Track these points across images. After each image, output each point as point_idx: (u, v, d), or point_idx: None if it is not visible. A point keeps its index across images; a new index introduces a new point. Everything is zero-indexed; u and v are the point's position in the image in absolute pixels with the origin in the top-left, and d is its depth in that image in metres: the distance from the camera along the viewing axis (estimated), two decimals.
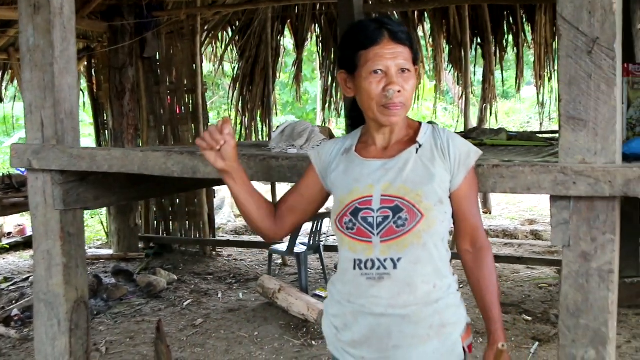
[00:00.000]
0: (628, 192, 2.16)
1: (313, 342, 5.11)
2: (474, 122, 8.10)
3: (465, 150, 2.12)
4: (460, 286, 2.24)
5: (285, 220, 2.27)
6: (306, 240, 6.47)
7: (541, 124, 8.66)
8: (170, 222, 8.65)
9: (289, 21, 8.77)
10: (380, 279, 2.02)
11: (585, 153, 2.23)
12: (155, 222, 8.74)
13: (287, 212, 2.27)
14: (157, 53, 8.25)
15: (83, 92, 8.93)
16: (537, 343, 4.90)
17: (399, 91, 2.01)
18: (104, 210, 9.17)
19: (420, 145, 2.11)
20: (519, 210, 10.75)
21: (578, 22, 2.22)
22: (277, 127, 3.92)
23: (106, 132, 8.54)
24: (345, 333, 2.13)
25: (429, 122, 2.36)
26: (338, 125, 13.58)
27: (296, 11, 8.60)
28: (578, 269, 2.27)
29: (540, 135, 4.64)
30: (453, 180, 2.09)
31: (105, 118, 8.58)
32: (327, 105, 8.95)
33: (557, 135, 5.83)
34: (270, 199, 9.71)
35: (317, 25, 8.77)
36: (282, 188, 11.07)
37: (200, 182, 4.32)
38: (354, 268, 2.06)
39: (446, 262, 2.12)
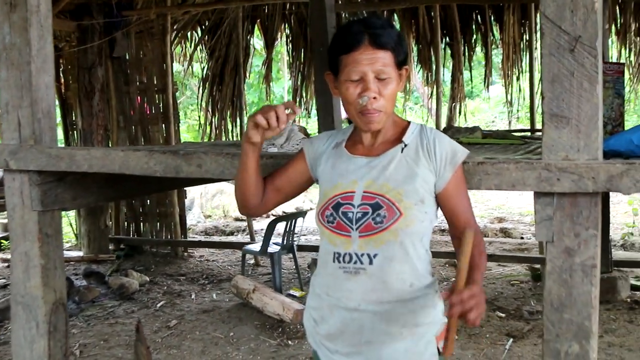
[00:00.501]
0: (611, 188, 2.20)
1: (289, 342, 5.10)
2: (442, 122, 8.14)
3: (452, 149, 2.13)
4: (444, 284, 2.25)
5: (269, 198, 2.30)
6: (279, 240, 6.46)
7: (509, 122, 8.73)
8: (141, 223, 8.56)
9: (258, 21, 8.74)
10: (356, 274, 2.05)
11: (568, 150, 2.27)
12: (126, 223, 8.64)
13: (273, 192, 2.30)
14: (127, 53, 8.16)
15: None
16: (511, 339, 4.95)
17: (374, 98, 2.03)
18: (72, 211, 9.05)
19: (405, 145, 2.13)
20: (488, 208, 10.86)
21: (560, 21, 2.25)
22: None
23: (75, 132, 8.43)
24: (322, 326, 2.16)
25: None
26: (307, 125, 13.56)
27: (266, 11, 8.57)
28: (562, 264, 2.30)
29: (514, 134, 4.70)
30: (440, 180, 2.10)
31: (74, 118, 8.47)
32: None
33: (530, 133, 5.91)
34: None
35: (287, 24, 8.76)
36: None
37: (177, 182, 4.30)
38: (333, 261, 2.09)
39: (425, 262, 2.14)
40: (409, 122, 2.22)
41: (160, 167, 2.79)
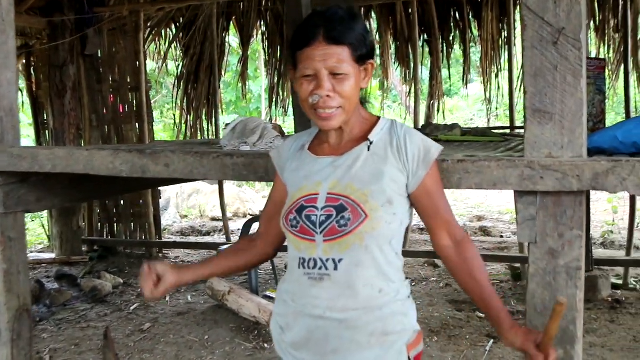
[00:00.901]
0: (596, 187, 2.12)
1: (265, 345, 4.99)
2: (421, 120, 8.07)
3: (425, 146, 2.02)
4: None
5: (270, 233, 2.23)
6: None
7: (488, 120, 8.68)
8: (115, 224, 8.40)
9: (234, 18, 8.62)
10: (321, 280, 1.95)
11: (551, 147, 2.19)
12: (99, 224, 8.48)
13: (269, 224, 2.22)
14: (99, 50, 8.00)
15: (22, 92, 8.61)
16: (492, 340, 4.88)
17: (328, 96, 1.93)
18: (45, 212, 8.88)
19: (371, 143, 2.02)
20: (467, 206, 10.82)
21: (543, 12, 2.16)
22: (227, 124, 3.80)
23: (47, 132, 8.26)
24: (288, 334, 2.06)
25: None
26: (284, 124, 13.46)
27: (241, 7, 8.44)
28: (545, 267, 2.22)
29: (494, 131, 4.62)
30: (413, 179, 1.99)
31: (45, 118, 8.30)
32: (273, 103, 8.82)
33: (509, 131, 5.84)
34: (217, 206, 9.59)
35: (262, 21, 8.64)
36: (230, 188, 10.96)
37: (147, 182, 4.18)
38: (299, 267, 2.00)
39: (395, 267, 2.03)
40: (378, 118, 2.12)
41: (126, 167, 2.67)
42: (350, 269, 1.93)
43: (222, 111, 9.81)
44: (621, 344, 4.73)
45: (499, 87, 8.06)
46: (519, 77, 7.25)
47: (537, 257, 2.22)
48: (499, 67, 7.94)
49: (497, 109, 8.69)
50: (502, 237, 8.70)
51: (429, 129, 4.36)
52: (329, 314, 1.95)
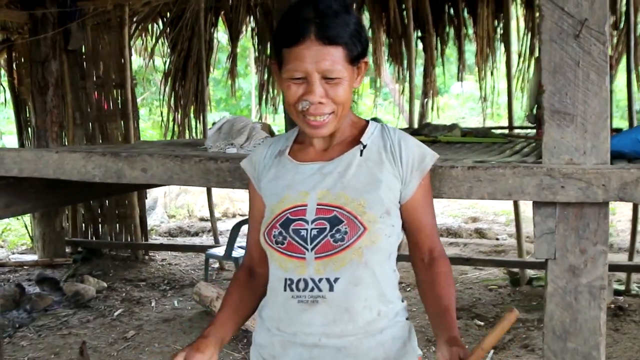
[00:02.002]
0: (624, 197, 1.89)
1: None
2: (415, 119, 7.86)
3: (419, 153, 1.79)
4: (409, 289, 1.91)
5: (265, 256, 1.90)
6: (245, 244, 6.11)
7: (484, 119, 8.47)
8: (100, 225, 8.15)
9: (222, 13, 8.38)
10: (314, 303, 1.71)
11: (573, 152, 1.96)
12: (83, 225, 8.24)
13: (261, 249, 1.89)
14: (83, 45, 7.73)
15: (4, 88, 8.37)
16: (492, 351, 4.65)
17: (320, 102, 1.69)
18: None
19: (364, 146, 1.79)
20: (461, 207, 10.59)
21: (563, 2, 1.93)
22: (213, 123, 3.57)
23: (29, 130, 8.01)
24: None
25: (373, 119, 2.01)
26: (275, 122, 13.24)
27: (230, 2, 8.21)
28: (565, 285, 2.00)
29: (495, 132, 4.40)
30: (405, 189, 1.77)
31: (27, 115, 8.05)
32: (263, 101, 8.60)
33: (507, 131, 5.62)
34: (206, 206, 9.33)
35: (252, 17, 8.41)
36: (219, 193, 10.70)
37: (128, 185, 3.93)
38: (285, 289, 1.75)
39: (393, 285, 1.81)
40: (367, 121, 1.88)
41: (100, 172, 2.43)
42: (348, 289, 1.70)
43: (212, 109, 9.60)
44: (628, 355, 4.52)
45: (493, 86, 7.85)
46: (517, 75, 7.07)
47: (556, 275, 2.00)
48: (494, 64, 7.74)
49: (492, 107, 8.44)
50: (497, 239, 8.49)
51: (427, 130, 4.14)
52: (325, 341, 1.72)
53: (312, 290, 1.71)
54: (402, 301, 1.85)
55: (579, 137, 1.95)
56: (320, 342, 1.72)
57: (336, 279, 1.69)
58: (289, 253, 1.73)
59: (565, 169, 1.91)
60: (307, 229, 1.71)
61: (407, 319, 1.85)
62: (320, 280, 1.70)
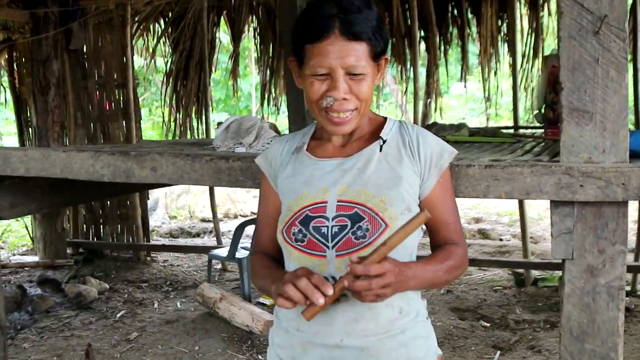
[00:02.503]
0: None
1: (259, 357, 4.72)
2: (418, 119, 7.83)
3: (438, 149, 1.77)
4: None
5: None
6: (248, 245, 6.08)
7: (487, 119, 8.45)
8: (101, 226, 8.09)
9: (224, 12, 8.35)
10: (336, 301, 1.66)
11: (591, 151, 1.93)
12: (85, 226, 8.17)
13: (276, 246, 1.87)
14: (85, 45, 7.68)
15: (4, 88, 8.33)
16: (498, 352, 4.62)
17: (344, 99, 1.68)
18: None
19: (384, 141, 1.77)
20: (463, 208, 10.55)
21: None
22: (218, 123, 3.54)
23: (30, 130, 7.97)
24: None
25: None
26: (277, 123, 13.22)
27: (232, 2, 8.18)
28: (583, 286, 1.96)
29: (504, 131, 4.37)
30: (423, 185, 1.74)
31: (28, 115, 8.00)
32: (265, 101, 8.56)
33: (520, 131, 5.59)
34: (207, 206, 9.31)
35: (254, 16, 8.37)
36: (220, 188, 10.64)
37: (135, 185, 3.90)
38: None
39: None
40: (385, 118, 1.87)
41: (108, 171, 2.39)
42: None
43: (212, 108, 9.55)
44: (636, 356, 4.48)
45: (497, 86, 7.82)
46: (521, 75, 7.05)
47: (573, 275, 1.97)
48: (498, 64, 7.71)
49: (496, 107, 8.40)
50: (501, 240, 8.46)
51: (435, 129, 4.11)
52: (347, 342, 1.69)
53: None
54: (422, 299, 1.83)
55: (598, 135, 1.92)
56: (342, 342, 1.69)
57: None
58: (310, 251, 1.70)
59: (585, 168, 1.88)
60: (327, 226, 1.69)
61: (427, 318, 1.83)
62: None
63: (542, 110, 3.94)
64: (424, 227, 1.79)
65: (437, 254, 1.75)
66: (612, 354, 1.96)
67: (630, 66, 6.07)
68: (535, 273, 6.33)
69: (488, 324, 5.20)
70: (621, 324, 1.97)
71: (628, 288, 5.88)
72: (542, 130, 4.14)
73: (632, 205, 6.15)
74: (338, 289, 1.56)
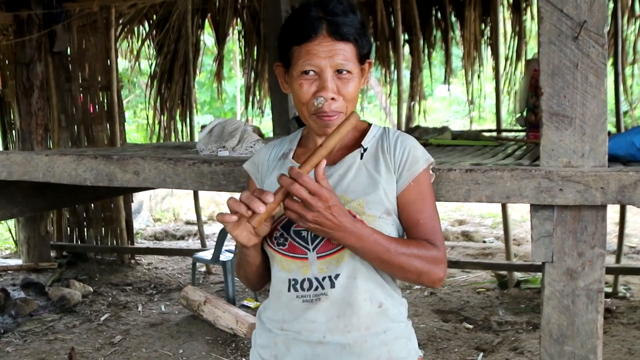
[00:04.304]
0: (622, 200, 1.89)
1: (243, 359, 4.72)
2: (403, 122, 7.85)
3: (414, 154, 1.77)
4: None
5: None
6: (233, 247, 6.07)
7: (470, 122, 8.47)
8: (85, 229, 8.08)
9: (209, 15, 8.34)
10: (317, 301, 1.71)
11: (571, 155, 1.95)
12: (69, 229, 8.14)
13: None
14: (68, 47, 7.66)
15: None
16: (481, 354, 4.65)
17: (332, 99, 1.70)
18: None
19: (364, 150, 1.79)
20: (447, 210, 10.58)
21: (562, 3, 1.92)
22: (202, 126, 3.54)
23: (13, 132, 7.92)
24: None
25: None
26: (261, 125, 13.20)
27: (217, 4, 8.17)
28: (563, 289, 1.99)
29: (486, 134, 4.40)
30: (397, 187, 1.76)
31: (12, 118, 7.96)
32: (249, 104, 8.55)
33: (503, 134, 5.63)
34: (191, 209, 9.27)
35: (239, 19, 8.37)
36: (204, 196, 10.63)
37: (117, 189, 3.89)
38: (289, 290, 1.75)
39: (391, 280, 1.80)
40: (369, 124, 1.88)
41: (91, 175, 2.39)
42: (348, 283, 1.71)
43: (197, 112, 9.52)
44: (616, 357, 4.52)
45: (481, 89, 7.86)
46: (504, 79, 7.09)
47: (553, 278, 1.99)
48: (481, 67, 7.75)
49: (479, 110, 8.44)
50: (484, 242, 8.50)
51: (418, 132, 4.14)
52: (329, 338, 1.72)
53: (316, 289, 1.72)
54: (402, 298, 1.84)
55: (578, 139, 1.94)
56: (324, 339, 1.72)
57: (337, 275, 1.70)
58: (291, 254, 1.73)
59: (564, 172, 1.90)
60: (307, 230, 1.70)
61: (408, 319, 1.85)
62: (323, 278, 1.71)
63: (525, 114, 3.97)
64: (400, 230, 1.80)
65: (405, 239, 1.75)
66: (591, 355, 1.98)
67: (612, 70, 6.14)
68: (518, 275, 6.37)
69: (471, 326, 5.23)
70: (600, 326, 1.99)
71: (609, 289, 5.93)
72: (525, 134, 4.17)
73: (614, 208, 6.22)
74: (278, 197, 1.58)
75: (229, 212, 1.61)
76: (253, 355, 1.90)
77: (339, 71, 1.69)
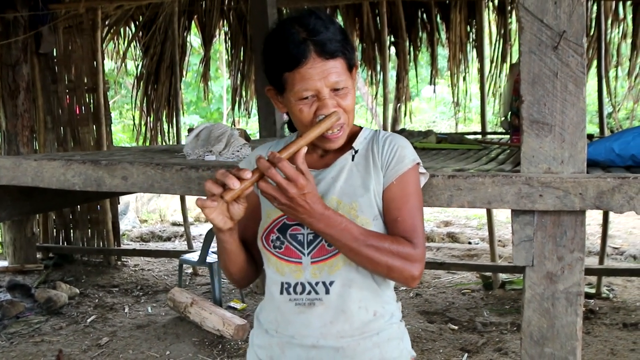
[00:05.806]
0: (600, 206, 1.93)
1: None
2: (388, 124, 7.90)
3: (400, 154, 1.81)
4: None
5: (258, 258, 1.92)
6: None
7: (456, 124, 8.53)
8: (71, 231, 8.05)
9: (195, 17, 8.35)
10: (311, 305, 1.75)
11: (550, 161, 2.00)
12: (55, 231, 8.13)
13: (254, 249, 1.91)
14: (54, 49, 7.64)
15: None
16: (466, 354, 4.70)
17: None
18: None
19: (355, 151, 1.83)
20: (433, 211, 10.63)
21: (542, 14, 1.97)
22: (189, 129, 3.57)
23: None
24: None
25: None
26: (247, 126, 13.20)
27: (203, 6, 8.18)
28: (543, 292, 2.03)
29: (470, 137, 4.44)
30: (383, 180, 1.79)
31: None
32: (236, 105, 8.56)
33: (487, 137, 5.68)
34: (178, 210, 9.26)
35: (225, 21, 8.38)
36: (191, 198, 10.62)
37: (105, 192, 3.91)
38: (281, 292, 1.79)
39: (388, 287, 1.84)
40: (361, 128, 1.92)
41: (79, 180, 2.42)
42: (343, 292, 1.74)
43: (183, 112, 9.51)
44: (599, 358, 4.58)
45: (466, 91, 7.92)
46: (489, 81, 7.15)
47: (533, 282, 2.03)
48: (467, 69, 7.80)
49: (465, 112, 8.50)
50: (470, 243, 8.56)
51: (403, 136, 4.16)
52: (323, 342, 1.76)
53: (309, 293, 1.75)
54: (397, 302, 1.88)
55: (557, 146, 1.98)
56: (318, 343, 1.76)
57: (331, 282, 1.74)
58: (286, 258, 1.77)
59: (544, 178, 1.94)
60: (303, 234, 1.75)
61: (401, 320, 1.89)
62: (317, 283, 1.75)
63: (509, 117, 4.01)
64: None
65: (382, 234, 1.75)
66: (570, 357, 2.03)
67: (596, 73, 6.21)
68: (502, 276, 6.43)
69: (456, 327, 5.28)
70: (579, 328, 2.03)
71: (593, 291, 6.00)
72: (509, 137, 4.21)
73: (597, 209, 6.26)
74: (255, 177, 1.60)
75: (207, 187, 1.63)
76: (250, 354, 1.94)
77: (334, 88, 1.72)
